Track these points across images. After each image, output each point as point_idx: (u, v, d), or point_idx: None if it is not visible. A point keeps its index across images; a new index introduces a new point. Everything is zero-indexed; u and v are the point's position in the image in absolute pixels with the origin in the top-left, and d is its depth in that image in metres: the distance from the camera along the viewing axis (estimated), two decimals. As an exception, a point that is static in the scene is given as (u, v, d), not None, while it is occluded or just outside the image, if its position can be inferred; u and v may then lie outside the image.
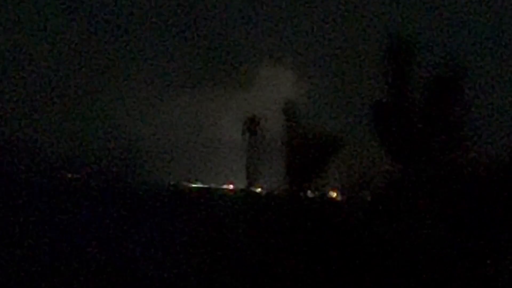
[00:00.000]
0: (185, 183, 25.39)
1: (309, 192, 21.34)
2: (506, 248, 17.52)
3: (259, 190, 22.52)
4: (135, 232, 20.93)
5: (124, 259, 18.94)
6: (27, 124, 25.93)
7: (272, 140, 21.98)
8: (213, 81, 25.18)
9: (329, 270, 17.17)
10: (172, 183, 25.33)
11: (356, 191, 20.57)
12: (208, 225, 20.00)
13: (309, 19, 24.16)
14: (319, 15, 23.77)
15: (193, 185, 25.35)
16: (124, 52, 26.37)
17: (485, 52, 20.49)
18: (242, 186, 23.16)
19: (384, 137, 19.93)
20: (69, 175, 26.06)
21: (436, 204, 18.52)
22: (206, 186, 24.93)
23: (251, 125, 22.52)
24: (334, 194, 21.47)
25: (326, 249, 17.87)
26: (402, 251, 17.48)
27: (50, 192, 24.59)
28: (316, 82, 22.95)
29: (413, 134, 19.51)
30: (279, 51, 24.50)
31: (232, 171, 23.83)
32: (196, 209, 21.90)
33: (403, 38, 19.69)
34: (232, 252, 18.44)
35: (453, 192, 18.65)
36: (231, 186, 24.36)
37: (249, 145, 22.42)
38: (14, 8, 26.13)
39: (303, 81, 23.48)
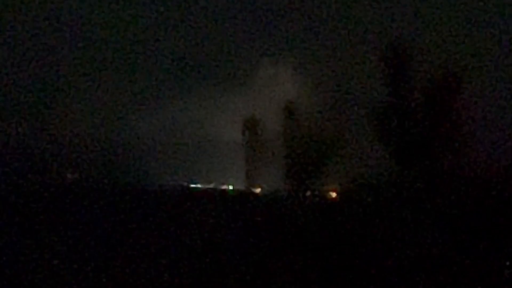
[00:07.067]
0: (185, 183, 25.42)
1: (308, 192, 21.37)
2: (506, 248, 17.53)
3: (258, 190, 22.55)
4: (135, 232, 20.94)
5: (123, 259, 18.95)
6: (27, 124, 25.93)
7: (272, 140, 22.01)
8: (213, 81, 25.20)
9: (328, 269, 17.19)
10: (172, 183, 25.36)
11: (355, 191, 20.60)
12: (208, 225, 20.02)
13: (309, 20, 24.22)
14: (320, 15, 23.83)
15: (193, 185, 25.39)
16: (123, 52, 26.40)
17: (484, 54, 20.54)
18: (242, 186, 23.20)
19: (383, 138, 19.96)
20: (69, 175, 26.06)
21: (435, 204, 18.54)
22: (206, 186, 24.98)
23: (251, 125, 22.56)
24: (334, 194, 21.50)
25: (325, 249, 17.88)
26: (401, 251, 17.49)
27: (50, 192, 24.61)
28: (316, 82, 22.97)
29: (412, 135, 19.54)
30: (279, 51, 24.48)
31: (232, 171, 23.85)
32: (196, 209, 21.90)
33: (403, 40, 19.75)
34: (232, 251, 18.45)
35: (453, 193, 18.67)
36: (230, 187, 24.41)
37: (249, 145, 22.46)
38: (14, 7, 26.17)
39: (303, 81, 23.51)
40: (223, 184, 24.60)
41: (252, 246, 18.53)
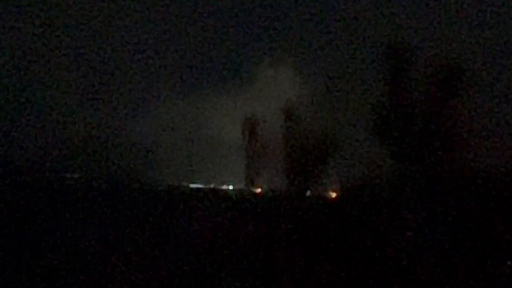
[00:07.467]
0: (185, 183, 25.41)
1: (308, 192, 21.36)
2: (506, 248, 17.53)
3: (259, 190, 22.53)
4: (135, 232, 20.96)
5: (123, 259, 18.97)
6: (27, 123, 25.93)
7: (272, 140, 22.00)
8: (213, 81, 25.21)
9: (328, 269, 17.20)
10: (172, 183, 25.36)
11: (355, 191, 20.60)
12: (208, 225, 20.02)
13: (309, 20, 24.22)
14: (320, 15, 23.84)
15: (193, 185, 25.38)
16: (123, 52, 26.40)
17: (485, 53, 20.56)
18: (242, 186, 23.17)
19: (383, 138, 19.96)
20: (69, 175, 26.06)
21: (435, 204, 18.55)
22: (206, 186, 24.96)
23: (251, 125, 22.54)
24: (334, 194, 21.50)
25: (326, 249, 17.89)
26: (402, 251, 17.50)
27: (49, 192, 24.62)
28: (316, 82, 22.97)
29: (412, 135, 19.54)
30: (279, 51, 24.48)
31: (232, 171, 23.84)
32: (196, 209, 21.92)
33: (403, 40, 19.75)
34: (232, 251, 18.46)
35: (452, 192, 18.67)
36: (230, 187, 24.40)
37: (248, 145, 22.44)
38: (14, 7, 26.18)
39: (303, 81, 23.51)
40: (223, 184, 24.59)
41: (252, 246, 18.53)
